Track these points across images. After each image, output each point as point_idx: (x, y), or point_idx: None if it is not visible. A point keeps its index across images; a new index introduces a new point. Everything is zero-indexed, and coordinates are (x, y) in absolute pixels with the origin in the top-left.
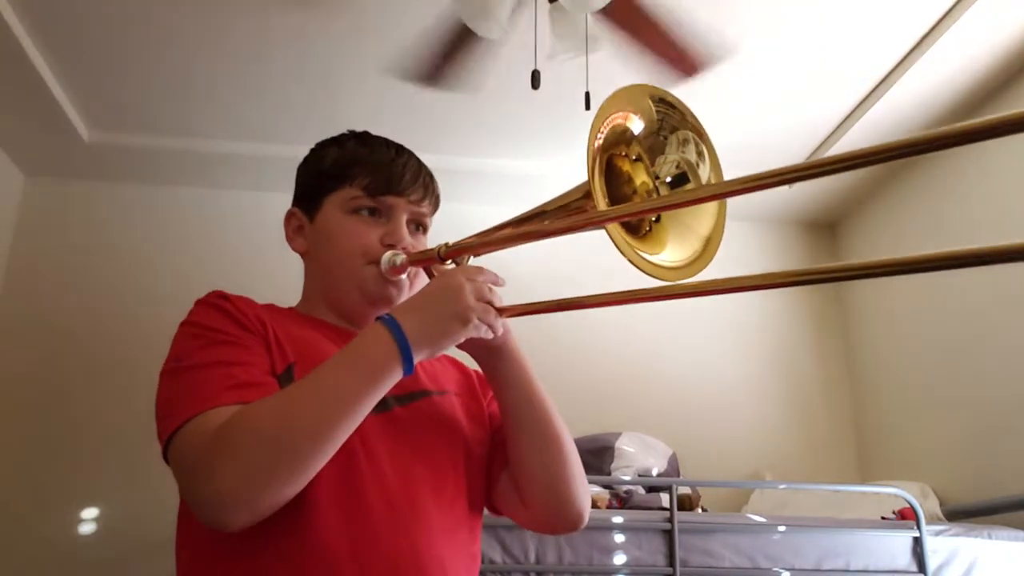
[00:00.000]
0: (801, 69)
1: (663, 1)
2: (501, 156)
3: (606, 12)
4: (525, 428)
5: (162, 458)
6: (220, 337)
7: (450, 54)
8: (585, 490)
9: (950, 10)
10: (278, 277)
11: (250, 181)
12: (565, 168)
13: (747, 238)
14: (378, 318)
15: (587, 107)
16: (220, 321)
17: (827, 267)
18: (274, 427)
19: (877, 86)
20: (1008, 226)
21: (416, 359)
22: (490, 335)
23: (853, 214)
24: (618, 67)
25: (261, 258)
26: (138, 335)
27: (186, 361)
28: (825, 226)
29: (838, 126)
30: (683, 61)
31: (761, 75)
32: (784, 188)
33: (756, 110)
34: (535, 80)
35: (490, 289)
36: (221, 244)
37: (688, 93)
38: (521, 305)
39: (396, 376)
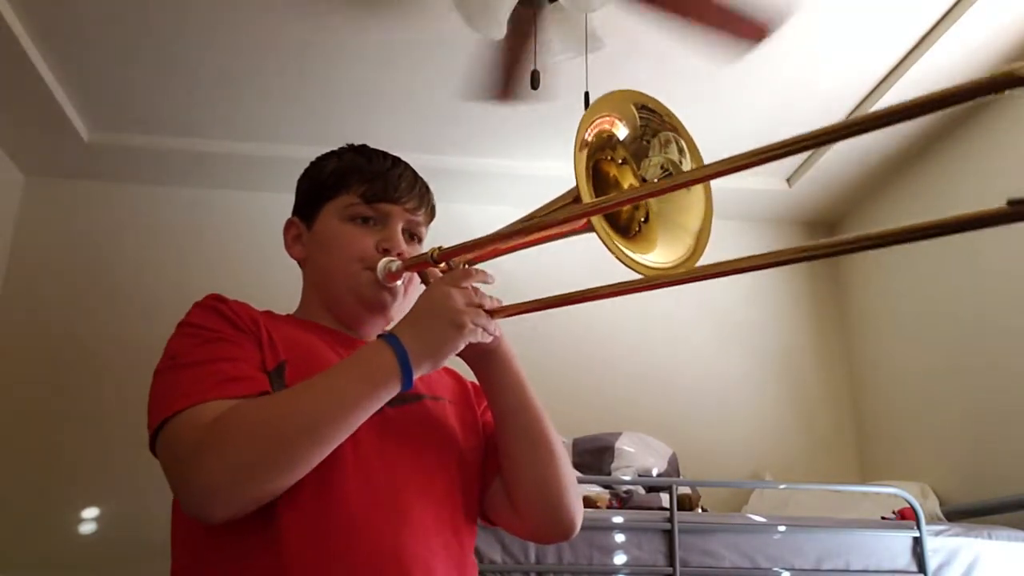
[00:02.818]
0: (800, 70)
1: None
2: (500, 156)
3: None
4: (517, 433)
5: (149, 449)
6: (213, 336)
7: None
8: (577, 498)
9: (950, 10)
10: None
11: (250, 181)
12: (564, 168)
13: (747, 238)
14: (379, 336)
15: (586, 107)
16: (214, 321)
17: (817, 244)
18: (266, 422)
19: (877, 87)
20: (1008, 226)
21: (417, 373)
22: (487, 338)
23: (853, 214)
24: (618, 67)
25: (261, 258)
26: (138, 335)
27: (180, 359)
28: (825, 226)
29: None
30: (746, 28)
31: (761, 73)
32: (783, 188)
33: (754, 112)
34: (535, 80)
35: (478, 292)
36: (221, 244)
37: (687, 95)
38: (513, 305)
39: (394, 389)
